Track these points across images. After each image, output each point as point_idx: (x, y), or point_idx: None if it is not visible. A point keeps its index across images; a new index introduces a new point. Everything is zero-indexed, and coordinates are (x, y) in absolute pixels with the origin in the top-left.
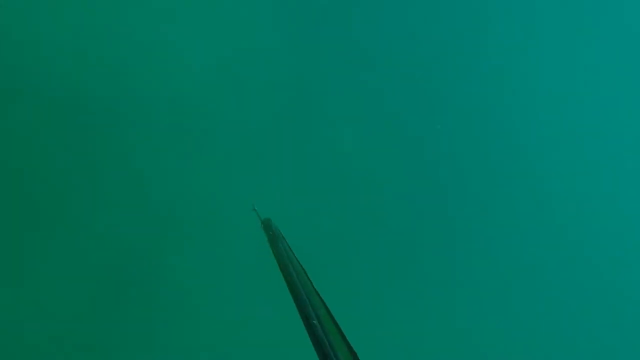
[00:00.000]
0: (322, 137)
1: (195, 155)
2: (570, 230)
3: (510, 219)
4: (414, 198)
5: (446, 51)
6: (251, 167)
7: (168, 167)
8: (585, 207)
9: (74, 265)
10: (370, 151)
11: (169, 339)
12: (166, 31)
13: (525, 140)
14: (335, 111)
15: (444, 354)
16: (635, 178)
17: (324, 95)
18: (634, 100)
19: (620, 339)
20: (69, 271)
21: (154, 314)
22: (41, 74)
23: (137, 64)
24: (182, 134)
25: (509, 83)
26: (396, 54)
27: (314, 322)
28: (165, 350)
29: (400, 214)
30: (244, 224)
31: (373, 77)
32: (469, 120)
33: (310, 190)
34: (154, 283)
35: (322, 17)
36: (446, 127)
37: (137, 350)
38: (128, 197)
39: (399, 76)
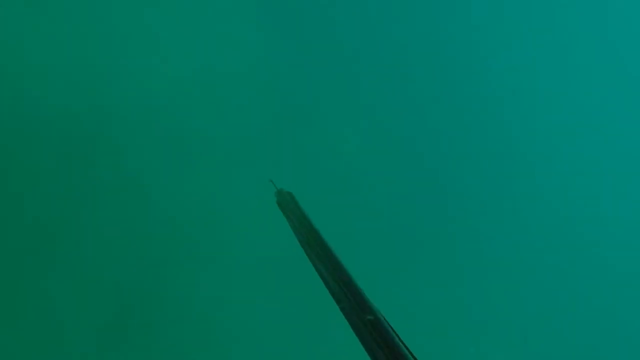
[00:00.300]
0: (320, 138)
1: (193, 166)
2: (571, 226)
3: (511, 215)
4: (415, 194)
5: (445, 50)
6: (251, 174)
7: (166, 177)
8: (584, 205)
9: (81, 289)
10: (371, 151)
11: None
12: (158, 36)
13: (527, 140)
14: (333, 112)
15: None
16: (635, 178)
17: (321, 96)
18: (634, 101)
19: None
20: (76, 293)
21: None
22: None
23: (129, 75)
24: (179, 145)
25: (509, 83)
26: (392, 53)
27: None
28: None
29: (402, 210)
30: (247, 232)
31: (369, 78)
32: (468, 119)
33: (313, 191)
34: (164, 304)
35: (316, 18)
36: (444, 126)
37: None
38: (127, 209)
39: (395, 76)
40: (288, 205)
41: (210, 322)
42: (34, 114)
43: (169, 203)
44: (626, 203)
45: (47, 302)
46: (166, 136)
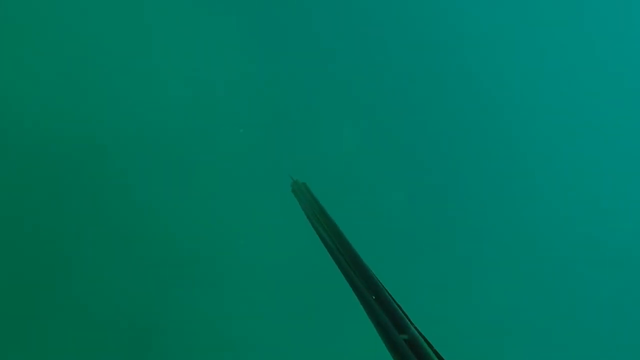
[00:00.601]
0: (321, 139)
1: (196, 178)
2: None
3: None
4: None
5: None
6: (254, 181)
7: (169, 194)
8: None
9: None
10: (371, 151)
11: None
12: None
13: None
14: (333, 113)
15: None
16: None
17: (320, 98)
18: (636, 101)
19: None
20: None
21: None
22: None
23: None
24: (178, 160)
25: (511, 83)
26: (391, 53)
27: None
28: None
29: (403, 210)
30: (256, 242)
31: (369, 78)
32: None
33: (315, 192)
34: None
35: (311, 19)
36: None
37: None
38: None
39: (395, 76)
40: (302, 194)
41: (229, 340)
42: (20, 138)
43: (175, 221)
44: (630, 202)
45: (52, 331)
46: (164, 152)
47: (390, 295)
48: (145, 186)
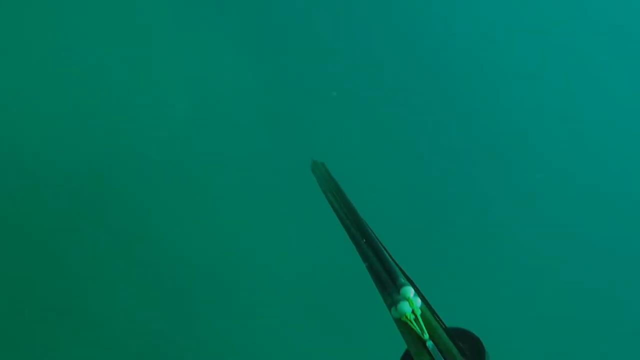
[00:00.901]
0: (321, 140)
1: (200, 190)
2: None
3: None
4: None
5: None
6: (259, 188)
7: (176, 211)
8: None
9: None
10: (371, 151)
11: None
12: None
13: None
14: (332, 113)
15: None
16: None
17: (318, 99)
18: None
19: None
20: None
21: None
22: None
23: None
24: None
25: (513, 80)
26: (391, 51)
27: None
28: None
29: (405, 211)
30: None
31: (368, 77)
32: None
33: (316, 193)
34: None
35: (309, 19)
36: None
37: None
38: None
39: (394, 75)
40: (320, 172)
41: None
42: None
43: (183, 227)
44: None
45: (54, 339)
46: (167, 157)
47: (395, 261)
48: (149, 193)
